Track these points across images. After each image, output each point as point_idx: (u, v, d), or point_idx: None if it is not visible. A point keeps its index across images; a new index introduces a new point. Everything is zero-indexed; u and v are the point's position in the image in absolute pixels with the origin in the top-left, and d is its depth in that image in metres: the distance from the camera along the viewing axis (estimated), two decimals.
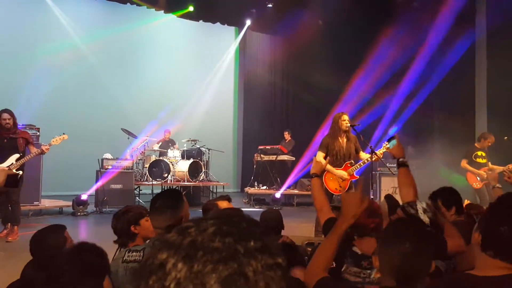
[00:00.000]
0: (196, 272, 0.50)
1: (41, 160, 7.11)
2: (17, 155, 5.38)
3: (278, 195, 9.22)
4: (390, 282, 1.43)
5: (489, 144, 6.81)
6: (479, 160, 6.85)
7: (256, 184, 10.17)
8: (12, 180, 5.04)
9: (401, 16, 9.39)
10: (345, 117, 5.04)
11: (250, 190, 9.91)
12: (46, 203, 7.59)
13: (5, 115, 5.41)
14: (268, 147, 10.22)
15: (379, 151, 4.88)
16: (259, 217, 3.14)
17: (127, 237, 2.33)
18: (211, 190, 9.84)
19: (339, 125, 4.99)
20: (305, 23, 11.15)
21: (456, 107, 8.58)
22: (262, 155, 10.11)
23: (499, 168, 6.16)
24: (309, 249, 2.87)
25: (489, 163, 6.84)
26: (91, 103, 10.63)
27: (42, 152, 5.50)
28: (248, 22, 12.37)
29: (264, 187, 10.09)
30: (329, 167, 4.86)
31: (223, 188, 10.01)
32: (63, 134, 5.85)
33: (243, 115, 13.24)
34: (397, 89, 9.80)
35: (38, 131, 7.13)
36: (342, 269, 1.99)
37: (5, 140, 5.44)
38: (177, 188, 8.45)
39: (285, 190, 9.63)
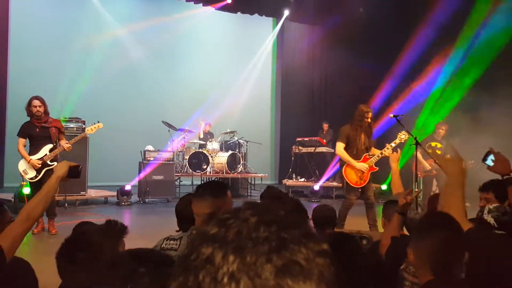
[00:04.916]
0: (249, 264, 0.49)
1: (87, 152, 7.40)
2: (50, 146, 5.17)
3: (316, 187, 9.12)
4: (427, 276, 1.49)
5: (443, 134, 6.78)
6: (432, 150, 6.75)
7: (294, 176, 10.12)
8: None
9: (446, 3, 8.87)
10: (370, 114, 5.10)
11: (288, 182, 9.87)
12: (92, 193, 7.92)
13: (36, 102, 5.07)
14: (306, 139, 10.12)
15: (390, 146, 4.98)
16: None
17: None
18: (249, 181, 9.90)
19: (364, 121, 5.02)
20: (345, 12, 10.87)
21: (504, 92, 7.93)
22: (300, 147, 10.03)
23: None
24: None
25: (448, 156, 6.72)
26: (133, 97, 10.94)
27: (63, 149, 5.19)
28: (286, 13, 12.23)
29: (303, 179, 10.02)
30: (350, 159, 4.97)
31: (261, 180, 10.04)
32: (98, 122, 5.72)
33: (281, 106, 13.18)
34: (439, 77, 9.34)
35: (84, 124, 7.39)
36: (401, 267, 1.93)
37: (37, 130, 5.13)
38: (219, 179, 8.56)
39: (324, 182, 9.51)
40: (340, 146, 5.05)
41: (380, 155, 5.01)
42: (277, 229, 0.52)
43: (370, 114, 5.07)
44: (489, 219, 2.06)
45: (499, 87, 7.49)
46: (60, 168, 2.02)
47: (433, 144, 6.78)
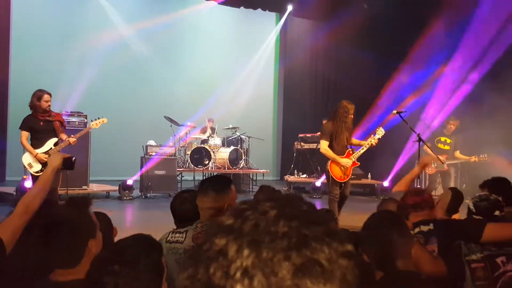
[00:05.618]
0: (265, 260, 0.45)
1: (89, 146, 7.40)
2: (55, 139, 5.16)
3: (318, 183, 9.10)
4: (378, 272, 1.59)
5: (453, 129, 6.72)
6: (441, 146, 6.68)
7: (296, 172, 10.10)
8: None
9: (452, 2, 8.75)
10: (353, 110, 5.24)
11: (290, 178, 9.86)
12: (94, 187, 7.93)
13: (47, 96, 5.09)
14: (308, 135, 10.09)
15: (374, 138, 5.18)
16: None
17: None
18: (251, 177, 9.89)
19: (348, 117, 5.15)
20: (349, 8, 10.79)
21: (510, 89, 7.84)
22: (302, 143, 10.01)
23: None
24: None
25: (458, 151, 6.77)
26: (135, 92, 10.92)
27: (69, 144, 5.15)
28: (290, 8, 12.16)
29: (304, 175, 10.00)
30: (335, 156, 5.11)
31: (263, 175, 10.02)
32: (102, 117, 5.70)
33: (283, 103, 13.13)
34: (446, 76, 9.23)
35: (86, 118, 7.39)
36: None
37: (42, 123, 5.10)
38: (222, 174, 8.55)
39: (325, 178, 9.47)
40: (324, 144, 5.19)
41: (361, 151, 5.23)
42: (298, 225, 0.48)
43: (353, 110, 5.21)
44: (470, 204, 2.22)
45: (507, 78, 7.45)
46: (55, 160, 2.06)
47: (442, 139, 6.71)
